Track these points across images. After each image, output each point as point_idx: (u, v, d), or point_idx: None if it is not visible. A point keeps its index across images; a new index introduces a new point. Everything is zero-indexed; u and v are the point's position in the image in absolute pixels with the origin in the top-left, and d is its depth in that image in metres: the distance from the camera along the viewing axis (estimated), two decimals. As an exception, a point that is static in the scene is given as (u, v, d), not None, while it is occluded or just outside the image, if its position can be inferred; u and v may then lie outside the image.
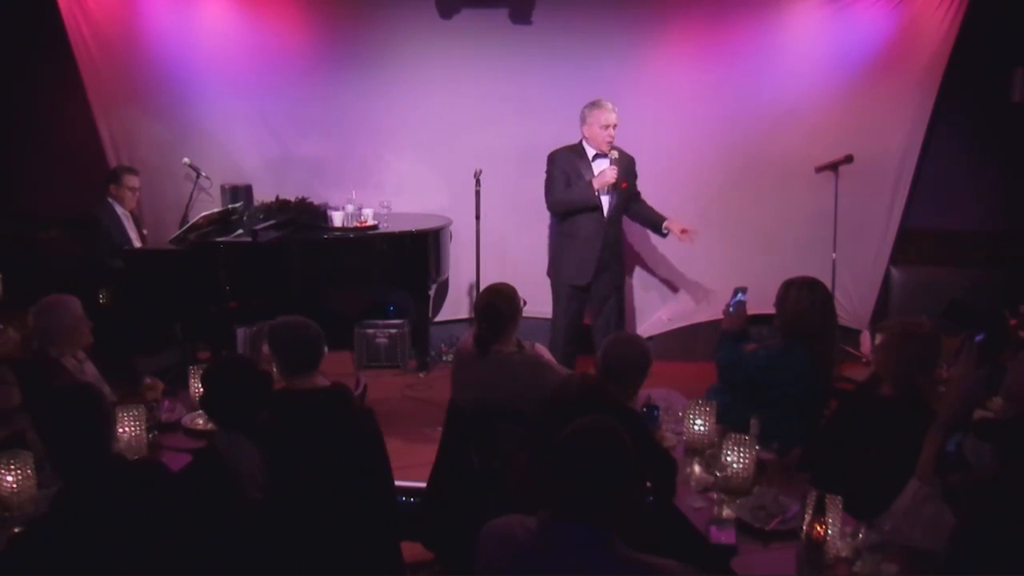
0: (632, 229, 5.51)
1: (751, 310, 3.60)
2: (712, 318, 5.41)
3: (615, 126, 4.79)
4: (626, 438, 1.91)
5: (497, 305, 3.31)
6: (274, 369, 3.02)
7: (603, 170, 4.79)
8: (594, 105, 4.83)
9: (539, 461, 2.26)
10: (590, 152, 4.88)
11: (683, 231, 4.93)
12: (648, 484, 2.72)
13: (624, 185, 4.86)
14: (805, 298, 3.28)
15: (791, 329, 3.28)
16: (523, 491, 2.63)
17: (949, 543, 1.97)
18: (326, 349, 3.00)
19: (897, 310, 5.71)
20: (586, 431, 1.91)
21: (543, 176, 4.97)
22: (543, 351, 3.59)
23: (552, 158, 4.93)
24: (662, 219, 4.98)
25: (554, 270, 5.09)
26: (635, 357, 2.90)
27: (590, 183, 4.80)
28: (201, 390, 2.82)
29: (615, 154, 4.81)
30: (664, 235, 5.03)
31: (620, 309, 5.12)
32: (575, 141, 4.93)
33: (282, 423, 2.77)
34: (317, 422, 2.88)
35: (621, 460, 1.88)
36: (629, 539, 1.89)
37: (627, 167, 4.93)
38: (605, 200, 4.85)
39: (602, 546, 1.84)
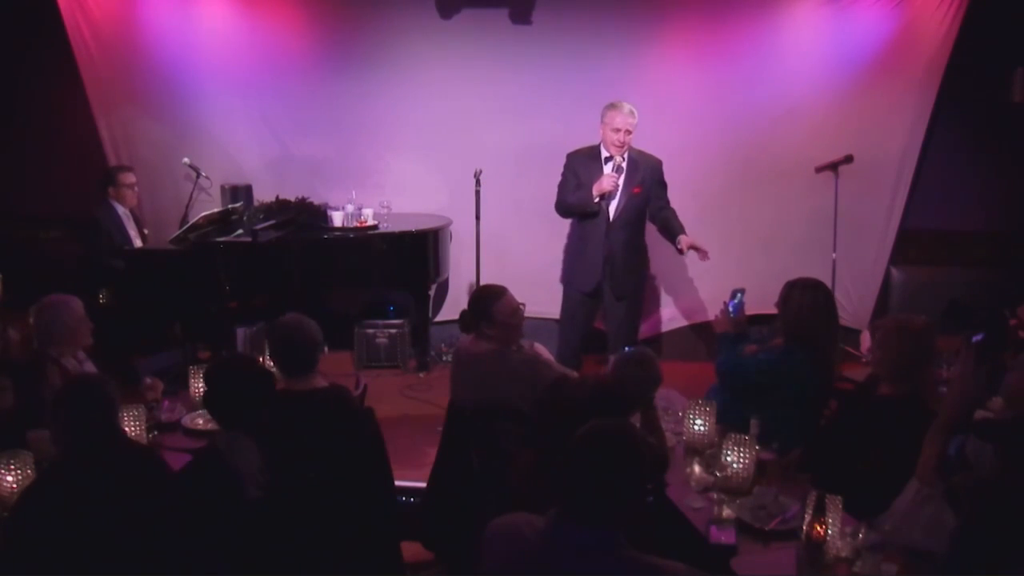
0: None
1: (750, 310, 3.59)
2: (712, 318, 5.41)
3: (627, 131, 4.60)
4: (642, 442, 1.91)
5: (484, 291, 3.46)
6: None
7: (601, 177, 4.61)
8: (610, 106, 4.64)
9: (549, 460, 2.25)
10: (604, 154, 4.71)
11: (693, 248, 4.63)
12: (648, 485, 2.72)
13: (637, 190, 4.67)
14: (808, 300, 3.27)
15: (794, 330, 3.28)
16: (526, 490, 2.63)
17: (949, 544, 1.96)
18: (326, 349, 3.01)
19: (897, 310, 5.69)
20: (602, 434, 1.89)
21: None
22: (542, 350, 3.61)
23: (567, 159, 4.79)
24: (678, 233, 4.67)
25: (564, 275, 5.03)
26: (642, 380, 2.91)
27: (590, 188, 4.63)
28: (203, 389, 2.82)
29: (619, 160, 4.65)
30: (680, 251, 4.69)
31: (633, 316, 4.92)
32: (580, 141, 4.82)
33: (281, 424, 2.77)
34: (316, 423, 2.89)
35: (636, 464, 1.87)
36: (629, 539, 1.89)
37: (650, 171, 4.72)
38: (612, 205, 4.65)
39: (612, 548, 1.83)
